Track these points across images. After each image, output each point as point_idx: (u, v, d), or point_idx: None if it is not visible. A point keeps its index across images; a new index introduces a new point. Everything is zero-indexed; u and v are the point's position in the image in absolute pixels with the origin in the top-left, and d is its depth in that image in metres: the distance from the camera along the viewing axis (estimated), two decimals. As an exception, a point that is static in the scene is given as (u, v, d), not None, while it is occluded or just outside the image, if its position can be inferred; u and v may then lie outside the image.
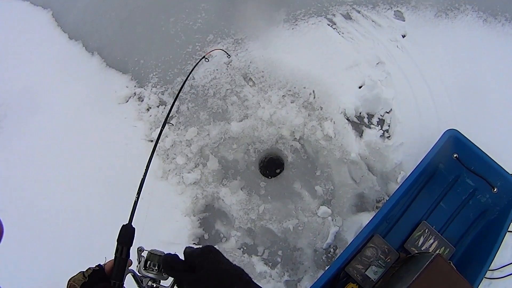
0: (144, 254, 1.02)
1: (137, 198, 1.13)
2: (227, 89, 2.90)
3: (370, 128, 2.84)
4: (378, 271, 2.38)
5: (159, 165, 2.75)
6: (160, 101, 2.93)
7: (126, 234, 1.01)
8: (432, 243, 2.47)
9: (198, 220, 2.67)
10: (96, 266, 0.95)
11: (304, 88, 2.88)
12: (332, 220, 2.64)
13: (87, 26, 3.23)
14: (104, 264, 0.97)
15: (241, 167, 2.78)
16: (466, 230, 2.54)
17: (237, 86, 2.91)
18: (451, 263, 2.28)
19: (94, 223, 2.59)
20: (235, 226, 2.66)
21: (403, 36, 3.13)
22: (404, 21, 3.19)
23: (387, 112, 2.87)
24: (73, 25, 3.24)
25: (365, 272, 2.37)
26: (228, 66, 2.96)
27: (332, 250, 2.63)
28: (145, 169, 1.25)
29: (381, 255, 2.40)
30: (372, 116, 2.88)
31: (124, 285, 0.96)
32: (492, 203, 2.51)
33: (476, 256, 2.40)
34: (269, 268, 2.60)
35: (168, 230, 2.61)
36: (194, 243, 2.64)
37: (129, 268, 0.99)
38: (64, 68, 3.07)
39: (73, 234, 2.56)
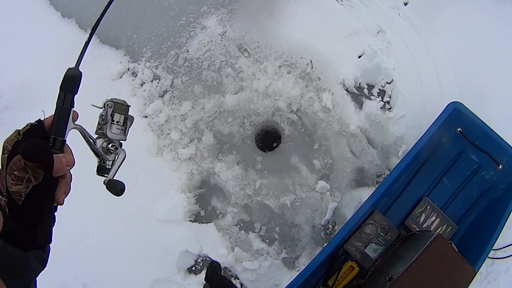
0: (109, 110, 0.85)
1: (89, 39, 0.85)
2: (222, 61, 2.55)
3: (370, 99, 2.49)
4: (378, 248, 2.12)
5: (153, 141, 2.45)
6: (154, 76, 2.59)
7: (71, 78, 0.76)
8: (433, 221, 2.20)
9: (194, 196, 2.40)
10: (35, 121, 0.73)
11: (301, 58, 2.52)
12: (331, 195, 2.35)
13: (80, 2, 2.84)
14: (45, 119, 0.74)
15: (236, 141, 2.47)
16: (469, 207, 2.27)
17: (232, 58, 2.55)
18: (452, 244, 2.01)
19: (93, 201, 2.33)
20: (231, 202, 2.38)
21: (405, 4, 2.72)
22: (406, -13, 2.77)
23: (388, 83, 2.51)
24: (65, 2, 2.86)
25: (364, 250, 2.12)
26: (222, 37, 2.60)
27: (330, 226, 2.35)
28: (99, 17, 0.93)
29: (381, 232, 2.13)
30: (373, 87, 2.52)
31: (67, 143, 0.74)
32: (497, 180, 2.21)
33: (479, 235, 2.15)
34: (266, 245, 2.34)
35: (163, 208, 2.36)
36: (190, 220, 2.35)
37: (75, 123, 0.77)
38: (59, 50, 2.70)
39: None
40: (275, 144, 2.53)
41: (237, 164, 2.43)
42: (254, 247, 2.33)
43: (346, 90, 2.48)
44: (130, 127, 0.91)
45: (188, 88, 2.54)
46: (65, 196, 0.74)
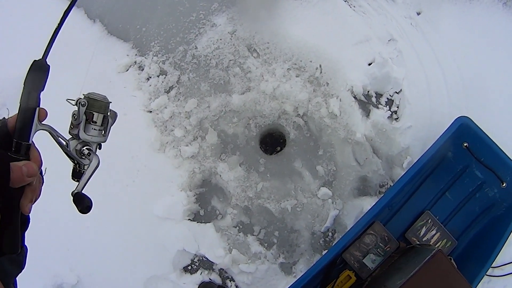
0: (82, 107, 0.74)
1: (58, 28, 0.73)
2: (230, 60, 2.52)
3: (377, 108, 2.46)
4: (376, 259, 2.10)
5: (156, 136, 2.42)
6: (160, 71, 2.56)
7: (37, 73, 0.66)
8: (434, 235, 2.18)
9: (194, 195, 2.37)
10: None
11: (311, 62, 2.49)
12: (332, 202, 2.32)
13: (89, -9, 2.80)
14: (8, 118, 0.66)
15: (240, 142, 2.44)
16: (470, 223, 2.25)
17: (240, 57, 2.52)
18: (452, 260, 1.98)
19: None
20: (231, 203, 2.36)
21: (418, 14, 2.70)
22: (419, -4, 2.74)
23: (397, 93, 2.49)
24: (75, -9, 2.80)
25: (363, 260, 2.10)
26: (232, 36, 2.57)
27: (330, 234, 2.33)
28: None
29: (380, 243, 2.11)
30: (381, 95, 2.50)
31: (34, 144, 0.66)
32: (500, 198, 2.19)
33: (478, 252, 2.13)
34: (264, 249, 2.31)
35: (163, 205, 2.33)
36: (189, 219, 2.33)
37: (43, 122, 0.68)
38: (67, 39, 2.64)
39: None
40: (279, 148, 2.50)
41: (240, 166, 2.40)
42: (252, 250, 2.30)
43: (354, 97, 2.45)
44: (112, 124, 0.81)
45: (195, 85, 2.51)
46: (32, 204, 0.67)
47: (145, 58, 2.59)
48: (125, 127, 2.42)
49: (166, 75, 2.54)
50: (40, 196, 0.70)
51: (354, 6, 2.65)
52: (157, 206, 2.31)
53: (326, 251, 1.98)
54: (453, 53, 2.58)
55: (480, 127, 2.09)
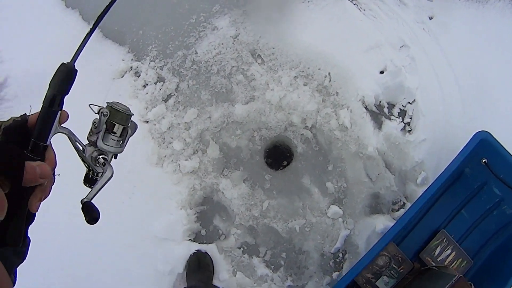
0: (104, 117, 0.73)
1: (90, 32, 0.72)
2: (233, 66, 2.36)
3: (390, 119, 2.33)
4: (390, 281, 2.01)
5: (154, 149, 2.26)
6: (158, 77, 2.38)
7: (64, 76, 0.64)
8: (449, 254, 2.10)
9: (195, 213, 2.21)
10: (20, 116, 0.66)
11: (319, 69, 2.34)
12: (343, 222, 2.19)
13: (84, -10, 2.60)
14: (30, 115, 0.66)
15: (244, 156, 2.29)
16: (486, 241, 2.15)
17: (244, 64, 2.36)
18: (472, 286, 1.86)
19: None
20: (235, 223, 2.21)
21: (430, 18, 2.55)
22: (431, 0, 2.59)
23: (410, 103, 2.35)
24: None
25: (376, 282, 2.00)
26: (235, 40, 2.40)
27: (340, 255, 2.20)
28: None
29: (393, 265, 2.01)
30: (393, 106, 2.36)
31: (51, 144, 0.65)
32: (518, 216, 2.08)
33: (495, 272, 2.03)
34: (271, 271, 2.17)
35: (161, 224, 2.18)
36: (189, 239, 2.18)
37: (62, 125, 0.67)
38: (61, 41, 2.46)
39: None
40: (286, 162, 2.35)
41: (244, 182, 2.25)
42: (258, 272, 2.16)
43: (366, 108, 2.31)
44: (131, 136, 0.79)
45: (195, 93, 2.35)
46: (40, 203, 0.66)
47: (142, 63, 2.41)
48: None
49: (164, 82, 2.37)
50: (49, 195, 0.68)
51: (364, 10, 2.50)
52: (155, 225, 2.16)
53: (340, 279, 1.86)
54: (466, 59, 2.45)
55: (500, 142, 1.98)
